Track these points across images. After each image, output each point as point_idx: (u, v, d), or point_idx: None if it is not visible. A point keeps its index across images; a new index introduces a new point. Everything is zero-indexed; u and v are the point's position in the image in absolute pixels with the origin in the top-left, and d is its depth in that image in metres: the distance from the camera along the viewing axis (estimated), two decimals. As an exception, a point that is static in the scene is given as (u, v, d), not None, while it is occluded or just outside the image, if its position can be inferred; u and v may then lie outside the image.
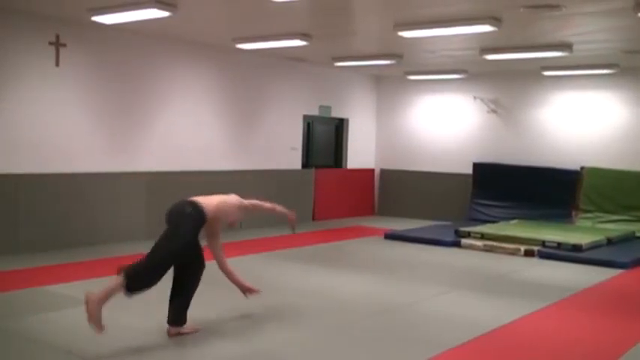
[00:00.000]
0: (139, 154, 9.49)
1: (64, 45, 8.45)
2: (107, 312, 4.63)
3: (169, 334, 4.99)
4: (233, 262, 7.93)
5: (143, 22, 8.04)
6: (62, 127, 8.56)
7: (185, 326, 5.06)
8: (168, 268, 4.93)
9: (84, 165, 8.80)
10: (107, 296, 4.58)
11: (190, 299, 5.13)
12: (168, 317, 5.05)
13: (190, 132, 10.22)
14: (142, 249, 8.53)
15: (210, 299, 6.04)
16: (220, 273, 5.50)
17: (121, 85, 9.21)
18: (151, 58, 9.59)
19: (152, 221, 9.57)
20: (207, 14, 7.96)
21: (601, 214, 11.24)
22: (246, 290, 5.52)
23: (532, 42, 8.99)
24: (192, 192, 10.01)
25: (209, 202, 5.30)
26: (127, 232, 9.26)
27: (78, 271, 7.22)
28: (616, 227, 10.76)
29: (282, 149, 11.96)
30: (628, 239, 10.24)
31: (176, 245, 4.94)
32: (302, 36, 8.91)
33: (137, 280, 4.69)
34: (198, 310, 5.35)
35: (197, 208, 5.15)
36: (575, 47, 9.05)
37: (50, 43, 8.33)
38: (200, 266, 5.24)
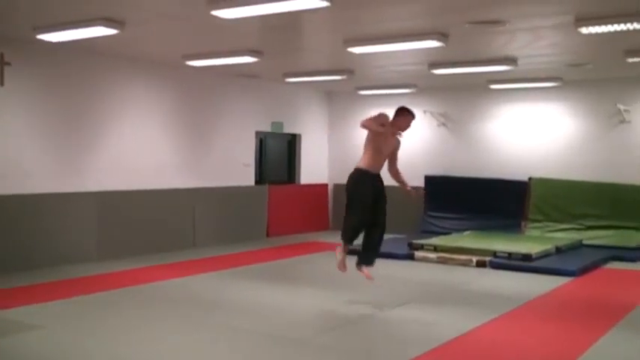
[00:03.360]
0: (89, 174, 9.31)
1: (9, 64, 8.26)
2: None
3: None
4: (185, 282, 7.89)
5: (91, 40, 7.93)
6: (8, 148, 8.35)
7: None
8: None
9: (32, 186, 8.58)
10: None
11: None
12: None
13: (142, 150, 10.09)
14: (94, 270, 8.45)
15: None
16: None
17: (69, 103, 9.05)
18: (99, 76, 9.46)
19: (104, 241, 9.42)
20: (156, 32, 7.90)
21: (549, 224, 11.50)
22: (408, 191, 6.94)
23: (478, 56, 9.18)
24: (144, 211, 10.00)
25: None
26: (78, 253, 9.06)
27: (26, 295, 7.02)
28: (564, 236, 11.02)
29: (234, 166, 11.91)
30: (576, 247, 10.50)
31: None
32: (252, 52, 8.92)
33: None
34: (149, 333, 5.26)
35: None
36: (520, 61, 9.28)
37: (-6, 62, 8.16)
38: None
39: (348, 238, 6.71)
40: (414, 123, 7.07)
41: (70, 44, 8.32)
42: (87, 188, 9.27)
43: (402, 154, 14.13)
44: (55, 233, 8.84)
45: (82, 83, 9.22)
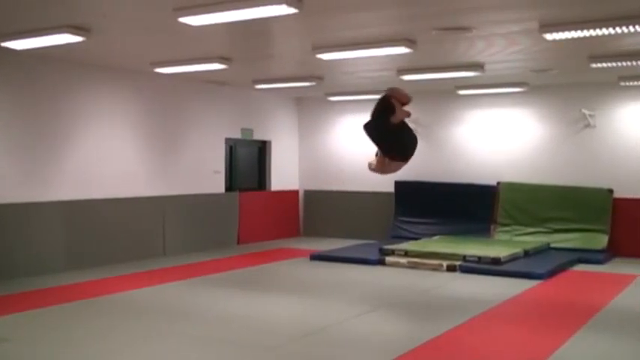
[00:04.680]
0: (55, 183, 9.17)
1: (-28, 72, 8.14)
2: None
3: None
4: (155, 291, 7.81)
5: (57, 47, 7.83)
6: (-29, 157, 8.21)
7: None
8: None
9: (-4, 196, 8.45)
10: None
11: None
12: None
13: (110, 158, 9.96)
14: (62, 281, 8.32)
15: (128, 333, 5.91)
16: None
17: (34, 111, 8.91)
18: (66, 84, 9.33)
19: (72, 251, 9.29)
20: (122, 39, 7.83)
21: (518, 227, 11.63)
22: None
23: (446, 62, 9.27)
24: (113, 220, 9.88)
25: None
26: (46, 264, 8.91)
27: (-9, 307, 6.90)
28: (532, 239, 11.16)
29: (205, 173, 11.84)
30: (543, 250, 10.64)
31: None
32: (221, 59, 8.89)
33: None
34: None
35: None
36: (486, 67, 9.40)
37: (-43, 70, 8.01)
38: None
39: None
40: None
41: (36, 52, 8.21)
42: (54, 197, 9.13)
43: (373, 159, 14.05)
44: (22, 244, 8.68)
45: (47, 91, 9.09)
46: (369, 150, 13.49)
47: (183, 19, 6.31)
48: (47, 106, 9.09)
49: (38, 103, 8.97)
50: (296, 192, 14.19)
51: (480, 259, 9.31)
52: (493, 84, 11.16)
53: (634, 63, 8.51)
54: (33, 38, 7.28)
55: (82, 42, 7.38)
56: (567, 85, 11.31)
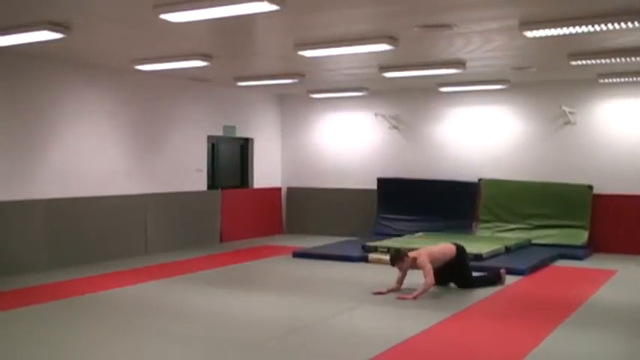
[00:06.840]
0: (36, 181, 9.08)
1: (-50, 69, 8.03)
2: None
3: None
4: (137, 290, 7.78)
5: (36, 45, 7.75)
6: (-51, 156, 8.10)
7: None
8: None
9: (-25, 194, 8.35)
10: None
11: None
12: None
13: (91, 156, 9.89)
14: (43, 280, 8.26)
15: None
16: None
17: (15, 109, 8.82)
18: (46, 82, 9.24)
19: (54, 250, 9.22)
20: (103, 36, 7.77)
21: (499, 224, 11.71)
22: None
23: (428, 60, 9.30)
24: (95, 218, 9.81)
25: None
26: (27, 262, 8.83)
27: (-30, 306, 6.83)
28: (513, 236, 11.24)
29: (187, 171, 11.79)
30: (524, 247, 10.72)
31: None
32: (203, 56, 8.85)
33: None
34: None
35: None
36: (468, 64, 9.44)
37: None
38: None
39: None
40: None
41: (15, 49, 8.11)
42: (35, 196, 9.04)
43: (355, 156, 14.20)
44: (2, 242, 8.59)
45: (28, 89, 8.99)
46: (351, 147, 13.47)
47: (164, 16, 6.26)
48: (27, 104, 9.00)
49: (18, 101, 8.88)
50: (279, 189, 14.18)
51: (462, 256, 9.35)
52: (474, 81, 11.21)
53: (613, 60, 8.60)
54: (12, 35, 7.20)
55: (62, 39, 7.30)
56: (548, 82, 11.40)
